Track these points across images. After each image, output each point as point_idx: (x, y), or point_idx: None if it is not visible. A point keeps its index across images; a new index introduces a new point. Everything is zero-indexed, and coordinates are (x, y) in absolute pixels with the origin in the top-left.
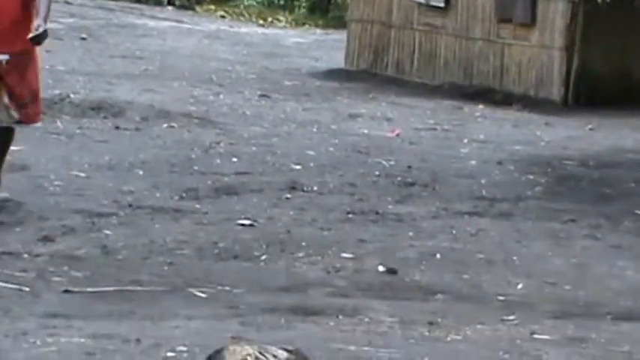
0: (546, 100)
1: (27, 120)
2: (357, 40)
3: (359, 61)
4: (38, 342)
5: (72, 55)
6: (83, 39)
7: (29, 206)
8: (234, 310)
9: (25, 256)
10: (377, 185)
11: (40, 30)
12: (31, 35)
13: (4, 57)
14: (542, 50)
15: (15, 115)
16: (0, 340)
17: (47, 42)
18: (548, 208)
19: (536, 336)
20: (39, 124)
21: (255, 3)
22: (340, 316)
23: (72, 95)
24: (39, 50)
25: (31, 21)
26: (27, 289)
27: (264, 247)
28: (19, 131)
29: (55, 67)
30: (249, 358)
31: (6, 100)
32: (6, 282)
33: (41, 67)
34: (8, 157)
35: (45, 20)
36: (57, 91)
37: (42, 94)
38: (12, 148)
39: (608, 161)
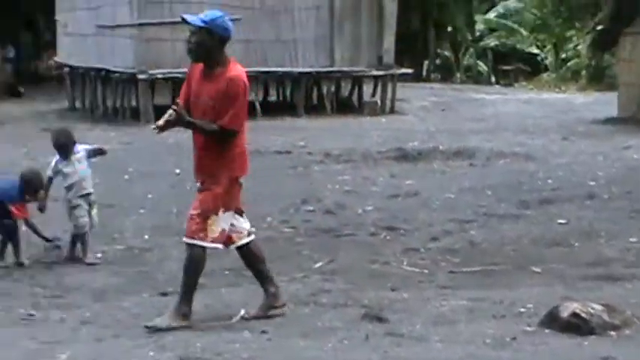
0: None
1: (186, 233)
2: (624, 96)
3: (627, 111)
4: (437, 304)
5: (437, 120)
6: (443, 110)
7: (421, 219)
8: (560, 279)
9: (422, 250)
10: None
11: None
12: None
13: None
14: None
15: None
16: (411, 301)
17: (420, 112)
18: None
19: None
20: (189, 241)
21: (553, 77)
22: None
23: (440, 147)
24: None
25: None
26: (426, 271)
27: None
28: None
29: (429, 128)
30: (577, 310)
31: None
32: (413, 267)
33: (420, 129)
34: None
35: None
36: (431, 145)
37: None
38: (407, 182)
39: None
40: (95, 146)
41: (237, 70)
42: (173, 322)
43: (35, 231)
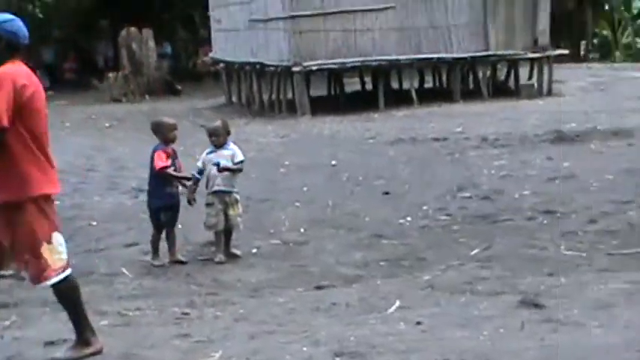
0: None
1: (31, 281)
2: None
3: None
4: (595, 289)
5: (595, 101)
6: (602, 90)
7: (579, 201)
8: None
9: (580, 233)
10: None
11: None
12: None
13: None
14: None
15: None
16: (569, 286)
17: (578, 93)
18: None
19: None
20: (41, 285)
21: None
22: None
23: (598, 127)
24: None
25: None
26: (584, 254)
27: None
28: (570, 155)
29: (587, 109)
30: None
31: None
32: (570, 250)
33: (577, 110)
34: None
35: None
36: (589, 125)
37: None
38: (564, 164)
39: None
40: (238, 164)
41: (4, 68)
42: (77, 354)
43: (173, 177)
